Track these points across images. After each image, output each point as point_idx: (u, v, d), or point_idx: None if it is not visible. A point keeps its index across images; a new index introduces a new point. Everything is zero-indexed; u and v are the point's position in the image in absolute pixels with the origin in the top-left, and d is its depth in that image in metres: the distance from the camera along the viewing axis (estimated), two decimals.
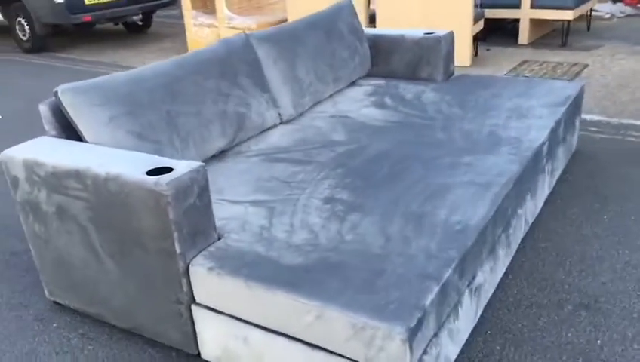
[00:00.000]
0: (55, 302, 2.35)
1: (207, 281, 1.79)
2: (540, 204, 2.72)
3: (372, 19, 5.95)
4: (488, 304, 2.17)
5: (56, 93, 2.09)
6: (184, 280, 1.83)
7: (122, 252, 1.92)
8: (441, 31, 3.54)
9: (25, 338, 2.20)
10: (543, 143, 2.53)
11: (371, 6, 5.98)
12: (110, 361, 2.04)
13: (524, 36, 6.24)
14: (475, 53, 5.96)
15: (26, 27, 7.63)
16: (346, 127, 2.83)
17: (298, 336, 1.67)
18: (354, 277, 1.66)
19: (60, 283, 2.23)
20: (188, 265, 1.82)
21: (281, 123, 2.94)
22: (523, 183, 2.30)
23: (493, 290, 2.20)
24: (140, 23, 8.17)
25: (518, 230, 2.39)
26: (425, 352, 1.62)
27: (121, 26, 8.80)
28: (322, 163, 2.44)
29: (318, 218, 2.00)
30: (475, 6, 5.62)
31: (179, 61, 2.49)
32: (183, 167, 1.81)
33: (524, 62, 5.57)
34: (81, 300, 2.21)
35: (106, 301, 2.11)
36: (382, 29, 3.77)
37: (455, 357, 1.88)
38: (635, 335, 1.97)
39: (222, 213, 2.08)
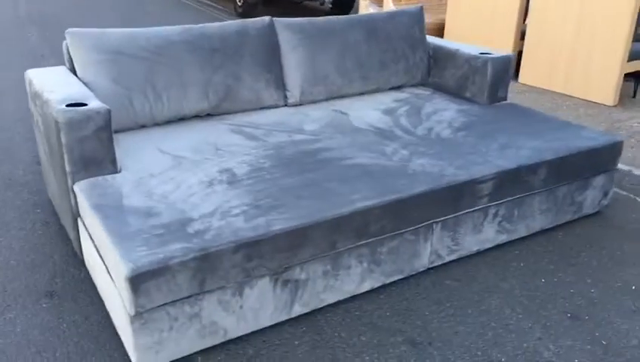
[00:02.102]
0: (51, 202, 3.03)
1: (79, 200, 2.23)
2: (475, 245, 2.57)
3: (523, 36, 5.64)
4: (331, 308, 2.22)
5: (66, 33, 2.70)
6: (71, 195, 2.30)
7: (53, 162, 2.46)
8: (497, 52, 3.38)
9: (19, 225, 2.91)
10: (474, 181, 2.40)
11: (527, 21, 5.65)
12: (44, 247, 2.63)
13: None
14: (633, 94, 5.28)
15: None
16: (331, 121, 2.97)
17: (105, 262, 2.02)
18: (149, 227, 1.93)
19: (48, 182, 2.89)
20: (75, 183, 2.28)
21: (285, 105, 3.20)
22: (413, 209, 2.26)
23: (341, 298, 2.24)
24: (330, 6, 8.80)
25: (406, 254, 2.34)
26: (172, 304, 1.84)
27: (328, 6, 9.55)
28: (267, 143, 2.67)
29: (195, 180, 2.28)
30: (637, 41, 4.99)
31: (187, 29, 2.92)
32: (90, 106, 2.25)
33: None
34: (51, 195, 2.84)
35: (55, 198, 2.70)
36: (443, 40, 3.69)
37: (242, 332, 2.04)
38: None
39: (144, 156, 2.49)
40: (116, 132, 2.73)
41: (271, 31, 3.13)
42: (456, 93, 3.52)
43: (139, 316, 1.80)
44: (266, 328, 2.12)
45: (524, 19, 5.66)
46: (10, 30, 7.40)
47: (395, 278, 2.38)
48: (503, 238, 2.66)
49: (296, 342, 2.06)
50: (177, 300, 1.85)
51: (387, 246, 2.28)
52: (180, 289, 1.83)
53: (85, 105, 2.27)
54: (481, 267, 2.53)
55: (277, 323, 2.14)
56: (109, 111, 2.26)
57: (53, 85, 2.49)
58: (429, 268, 2.49)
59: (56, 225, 2.79)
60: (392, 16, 3.53)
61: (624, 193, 3.30)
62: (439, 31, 6.49)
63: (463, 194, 2.39)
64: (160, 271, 1.77)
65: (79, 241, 2.41)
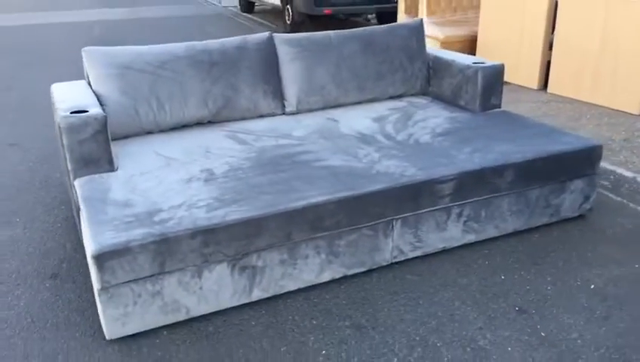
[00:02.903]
0: None
1: (77, 194, 2.57)
2: (440, 243, 2.70)
3: (552, 46, 5.64)
4: (292, 295, 2.43)
5: (82, 51, 3.09)
6: (73, 190, 2.64)
7: (63, 162, 2.83)
8: (490, 62, 3.50)
9: (44, 218, 3.32)
10: (434, 181, 2.55)
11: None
12: (60, 238, 3.00)
13: None
14: None
15: (290, 13, 9.23)
16: (319, 128, 3.19)
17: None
18: (122, 215, 2.23)
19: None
20: (76, 179, 2.62)
21: (283, 113, 3.46)
22: (369, 206, 2.44)
23: (302, 286, 2.45)
24: (373, 21, 9.03)
25: (365, 248, 2.51)
26: (135, 281, 2.12)
27: (373, 21, 9.80)
28: (253, 146, 2.94)
29: (177, 177, 2.57)
30: None
31: (190, 45, 3.24)
32: (88, 113, 2.59)
33: None
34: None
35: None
36: (441, 51, 3.83)
37: (204, 311, 2.29)
38: None
39: (142, 158, 2.80)
40: (124, 137, 3.08)
41: (270, 45, 3.41)
42: (452, 101, 3.65)
43: (105, 290, 2.09)
44: (229, 309, 2.36)
45: (553, 30, 5.66)
46: (80, 50, 8.13)
47: (357, 271, 2.55)
48: (471, 238, 2.78)
49: (253, 323, 2.29)
50: (140, 278, 2.13)
51: (345, 239, 2.47)
52: (141, 269, 2.11)
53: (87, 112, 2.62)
54: (445, 264, 2.66)
55: (240, 306, 2.38)
56: (105, 118, 2.60)
57: (66, 96, 2.87)
58: (393, 263, 2.65)
59: (74, 220, 3.17)
60: (390, 29, 3.72)
61: (618, 199, 3.31)
62: (473, 43, 6.56)
63: (421, 193, 2.54)
64: (122, 251, 2.06)
65: (81, 231, 2.75)
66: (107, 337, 2.17)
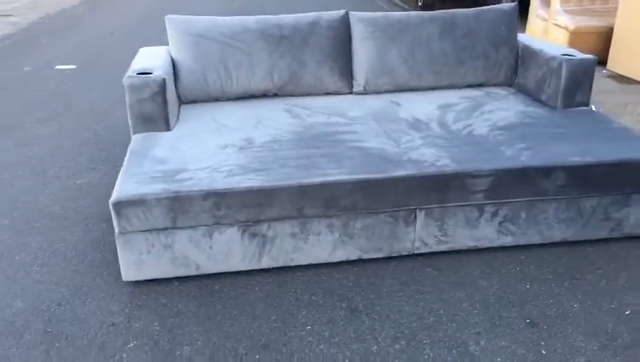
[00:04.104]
0: None
1: (130, 145, 2.81)
2: (469, 241, 2.55)
3: None
4: (303, 269, 2.48)
5: (165, 18, 3.33)
6: (130, 143, 2.89)
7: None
8: (581, 55, 3.19)
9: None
10: (465, 175, 2.41)
11: None
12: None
13: None
14: None
15: None
16: (378, 110, 3.15)
17: None
18: (153, 171, 2.41)
19: None
20: (134, 134, 2.87)
21: (350, 93, 3.46)
22: (389, 191, 2.38)
23: (313, 262, 2.47)
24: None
25: (383, 234, 2.46)
26: (149, 232, 2.29)
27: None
28: (303, 121, 2.99)
29: (217, 142, 2.71)
30: None
31: (264, 18, 3.35)
32: (150, 75, 2.81)
33: None
34: None
35: None
36: (532, 39, 3.53)
37: (213, 270, 2.41)
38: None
39: (198, 122, 2.99)
40: (192, 102, 3.28)
41: (344, 23, 3.40)
42: (534, 95, 3.38)
43: (122, 235, 2.30)
44: (241, 272, 2.46)
45: None
46: None
47: (373, 256, 2.52)
48: (508, 240, 2.59)
49: (257, 289, 2.37)
50: (154, 229, 2.30)
51: (361, 222, 2.44)
52: (155, 221, 2.28)
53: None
54: (471, 263, 2.52)
55: (251, 271, 2.47)
56: (164, 81, 2.81)
57: (144, 59, 3.13)
58: (416, 254, 2.57)
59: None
60: (477, 13, 3.52)
61: None
62: (610, 36, 5.93)
63: (450, 185, 2.42)
64: (138, 202, 2.24)
65: None
66: (123, 278, 2.38)
